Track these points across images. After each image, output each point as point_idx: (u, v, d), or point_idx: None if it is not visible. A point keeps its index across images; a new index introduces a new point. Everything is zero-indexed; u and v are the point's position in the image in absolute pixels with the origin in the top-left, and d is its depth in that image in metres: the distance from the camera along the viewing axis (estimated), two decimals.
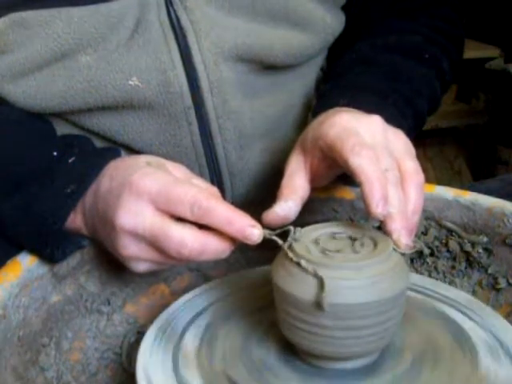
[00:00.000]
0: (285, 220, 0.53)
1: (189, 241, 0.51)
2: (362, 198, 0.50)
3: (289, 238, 0.51)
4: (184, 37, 0.66)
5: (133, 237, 0.53)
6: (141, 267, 0.56)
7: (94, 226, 0.58)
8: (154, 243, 0.53)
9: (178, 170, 0.57)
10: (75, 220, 0.59)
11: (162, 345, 0.54)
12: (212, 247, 0.52)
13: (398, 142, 0.57)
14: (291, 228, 0.51)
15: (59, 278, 0.61)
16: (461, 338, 0.54)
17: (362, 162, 0.51)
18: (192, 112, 0.67)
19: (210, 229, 0.52)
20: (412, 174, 0.54)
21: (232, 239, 0.52)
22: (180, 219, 0.52)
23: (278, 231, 0.52)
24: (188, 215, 0.51)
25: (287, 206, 0.54)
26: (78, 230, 0.60)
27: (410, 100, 0.69)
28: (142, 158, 0.57)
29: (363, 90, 0.66)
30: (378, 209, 0.49)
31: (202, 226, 0.52)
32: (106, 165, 0.58)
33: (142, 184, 0.52)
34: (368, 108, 0.60)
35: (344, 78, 0.71)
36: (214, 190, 0.57)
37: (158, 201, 0.52)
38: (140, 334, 0.65)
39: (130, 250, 0.54)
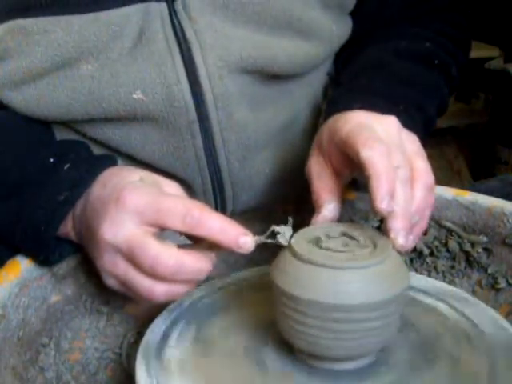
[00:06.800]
0: (333, 220, 0.56)
1: (164, 257, 0.50)
2: (369, 192, 0.50)
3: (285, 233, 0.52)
4: (189, 50, 0.65)
5: (110, 248, 0.52)
6: (109, 282, 0.55)
7: (80, 230, 0.58)
8: (130, 256, 0.52)
9: (172, 189, 0.56)
10: (66, 225, 0.59)
11: (161, 345, 0.54)
12: (188, 266, 0.51)
13: (411, 143, 0.57)
14: (275, 227, 0.52)
15: (59, 277, 0.61)
16: (462, 338, 0.54)
17: (372, 156, 0.51)
18: (196, 126, 0.67)
19: (189, 249, 0.52)
20: (422, 173, 0.55)
21: (209, 259, 0.52)
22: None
23: (265, 234, 0.52)
24: (179, 226, 0.51)
25: (332, 207, 0.56)
26: (66, 234, 0.60)
27: (421, 106, 0.69)
28: (137, 173, 0.56)
29: (375, 95, 0.65)
30: (382, 204, 0.49)
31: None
32: (101, 173, 0.58)
33: (129, 198, 0.52)
34: (380, 113, 0.60)
35: (356, 83, 0.71)
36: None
37: (145, 213, 0.51)
38: (140, 334, 0.65)
39: (103, 260, 0.53)
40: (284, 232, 0.52)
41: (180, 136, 0.67)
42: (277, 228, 0.52)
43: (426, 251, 0.71)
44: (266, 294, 0.55)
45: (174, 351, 0.53)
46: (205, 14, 0.65)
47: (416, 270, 0.71)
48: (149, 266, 0.51)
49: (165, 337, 0.55)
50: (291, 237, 0.51)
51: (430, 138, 0.69)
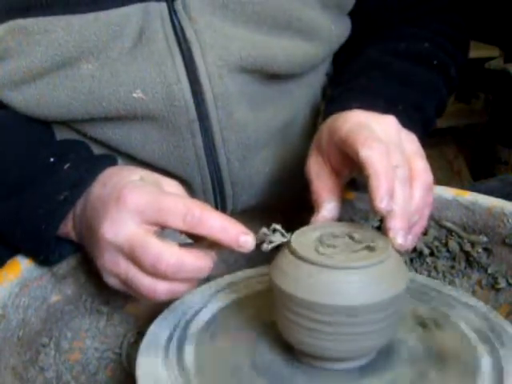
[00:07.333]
0: (333, 220, 0.56)
1: (165, 256, 0.50)
2: (368, 191, 0.50)
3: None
4: (189, 49, 0.65)
5: (111, 247, 0.52)
6: (110, 281, 0.55)
7: (80, 230, 0.58)
8: (131, 255, 0.52)
9: (172, 188, 0.56)
10: (66, 224, 0.59)
11: (161, 345, 0.54)
12: (189, 265, 0.51)
13: (410, 143, 0.57)
14: (275, 227, 0.52)
15: (59, 277, 0.61)
16: (462, 337, 0.54)
17: (372, 155, 0.51)
18: (196, 125, 0.67)
19: (190, 248, 0.52)
20: (421, 172, 0.55)
21: (210, 257, 0.52)
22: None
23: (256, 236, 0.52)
24: (179, 225, 0.51)
25: (332, 206, 0.57)
26: (66, 234, 0.60)
27: (420, 107, 0.69)
28: (138, 172, 0.56)
29: (374, 95, 0.66)
30: (381, 204, 0.49)
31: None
32: (101, 173, 0.58)
33: (129, 197, 0.52)
34: (379, 113, 0.60)
35: (355, 83, 0.71)
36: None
37: (146, 212, 0.51)
38: (140, 334, 0.65)
39: (104, 259, 0.53)
40: (270, 235, 0.52)
41: (180, 135, 0.67)
42: (264, 230, 0.52)
43: (426, 251, 0.70)
44: (265, 293, 0.55)
45: (174, 351, 0.53)
46: (204, 13, 0.65)
47: (416, 270, 0.71)
48: (150, 264, 0.51)
49: (165, 337, 0.55)
50: (290, 234, 0.51)
51: (430, 138, 0.69)
